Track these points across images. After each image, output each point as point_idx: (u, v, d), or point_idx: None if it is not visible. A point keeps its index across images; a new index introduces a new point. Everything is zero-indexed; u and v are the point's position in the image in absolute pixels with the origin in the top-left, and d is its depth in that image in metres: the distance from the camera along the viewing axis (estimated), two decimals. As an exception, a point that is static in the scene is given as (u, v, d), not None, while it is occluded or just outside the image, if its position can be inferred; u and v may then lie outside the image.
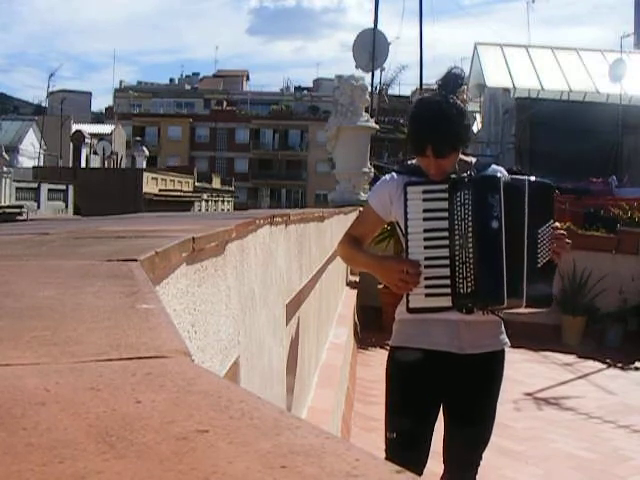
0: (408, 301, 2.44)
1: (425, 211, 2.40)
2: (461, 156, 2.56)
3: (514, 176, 2.52)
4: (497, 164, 2.74)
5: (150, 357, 0.62)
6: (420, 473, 2.49)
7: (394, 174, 2.59)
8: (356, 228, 2.70)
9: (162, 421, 0.48)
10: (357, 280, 8.39)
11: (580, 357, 7.94)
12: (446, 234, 2.38)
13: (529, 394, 6.15)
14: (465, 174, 2.46)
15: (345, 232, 2.75)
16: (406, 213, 2.42)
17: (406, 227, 2.43)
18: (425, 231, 2.40)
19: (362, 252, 2.63)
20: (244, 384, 1.72)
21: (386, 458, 2.25)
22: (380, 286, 8.22)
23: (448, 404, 2.57)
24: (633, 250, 9.12)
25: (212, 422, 0.48)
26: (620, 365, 7.67)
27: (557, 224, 2.51)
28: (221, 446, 0.45)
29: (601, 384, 6.81)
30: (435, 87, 2.52)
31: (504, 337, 2.56)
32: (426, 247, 2.40)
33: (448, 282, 2.37)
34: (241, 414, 0.50)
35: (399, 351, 2.53)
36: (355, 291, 8.03)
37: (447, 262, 2.38)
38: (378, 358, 7.35)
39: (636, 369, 7.60)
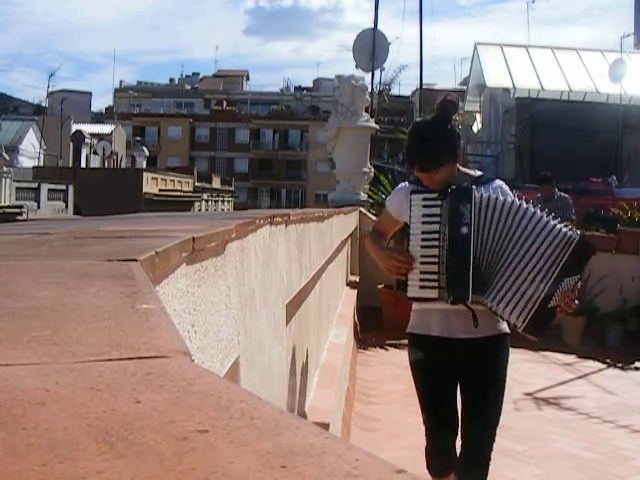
0: (407, 291, 2.84)
1: (424, 216, 2.84)
2: (465, 169, 2.96)
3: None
4: (502, 179, 3.12)
5: (150, 357, 0.62)
6: (453, 441, 2.87)
7: (406, 183, 3.06)
8: (378, 224, 3.23)
9: (162, 421, 0.48)
10: (357, 280, 8.39)
11: (580, 357, 7.92)
12: (437, 236, 2.80)
13: (529, 394, 6.15)
14: (455, 185, 2.81)
15: (372, 226, 3.30)
16: (410, 217, 2.86)
17: (409, 229, 2.88)
18: (422, 233, 2.84)
19: (375, 244, 3.06)
20: (244, 384, 1.72)
21: (426, 436, 2.88)
22: (380, 286, 8.22)
23: (460, 387, 2.89)
24: (633, 250, 9.11)
25: (212, 422, 0.48)
26: (620, 365, 7.66)
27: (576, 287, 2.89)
28: (221, 446, 0.45)
29: (601, 384, 6.81)
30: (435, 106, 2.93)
31: (500, 324, 2.85)
32: (422, 247, 2.83)
33: (436, 277, 2.79)
34: (241, 414, 0.50)
35: (411, 337, 2.96)
36: (355, 291, 8.02)
37: (436, 260, 2.80)
38: (378, 358, 7.35)
39: (636, 369, 7.59)
